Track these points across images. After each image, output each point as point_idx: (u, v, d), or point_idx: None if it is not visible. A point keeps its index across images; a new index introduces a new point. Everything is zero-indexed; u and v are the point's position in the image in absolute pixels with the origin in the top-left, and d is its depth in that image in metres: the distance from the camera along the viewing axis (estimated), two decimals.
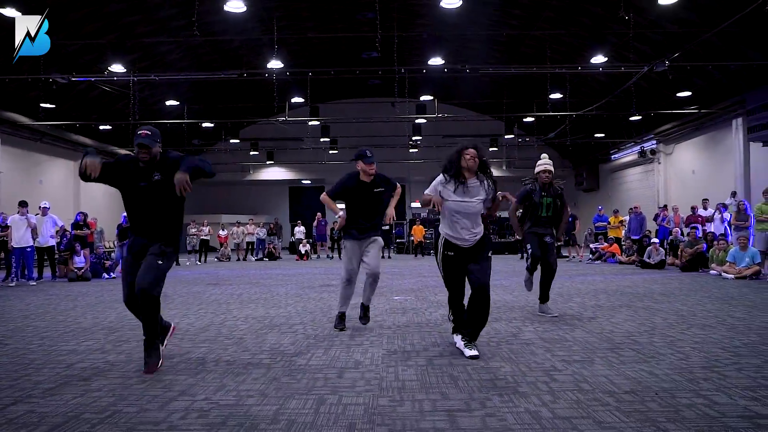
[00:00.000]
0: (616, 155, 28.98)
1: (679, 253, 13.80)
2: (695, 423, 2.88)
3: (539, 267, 6.52)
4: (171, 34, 20.36)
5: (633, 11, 16.39)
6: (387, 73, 17.49)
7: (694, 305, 7.23)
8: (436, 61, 16.09)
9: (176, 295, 9.19)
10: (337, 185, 5.76)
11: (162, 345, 4.31)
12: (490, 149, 30.52)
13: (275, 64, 16.62)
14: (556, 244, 6.59)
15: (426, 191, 4.70)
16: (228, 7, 13.03)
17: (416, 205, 34.81)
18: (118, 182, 4.28)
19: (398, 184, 6.00)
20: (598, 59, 16.20)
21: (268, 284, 11.04)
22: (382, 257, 21.73)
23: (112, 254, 17.22)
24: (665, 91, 21.35)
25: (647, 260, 13.80)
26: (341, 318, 5.78)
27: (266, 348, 4.87)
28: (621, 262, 15.60)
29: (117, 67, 16.99)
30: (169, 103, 21.76)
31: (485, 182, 4.60)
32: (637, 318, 6.24)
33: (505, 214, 28.13)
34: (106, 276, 13.11)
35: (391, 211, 5.79)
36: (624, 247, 16.15)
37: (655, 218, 17.04)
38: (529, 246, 6.51)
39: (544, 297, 6.55)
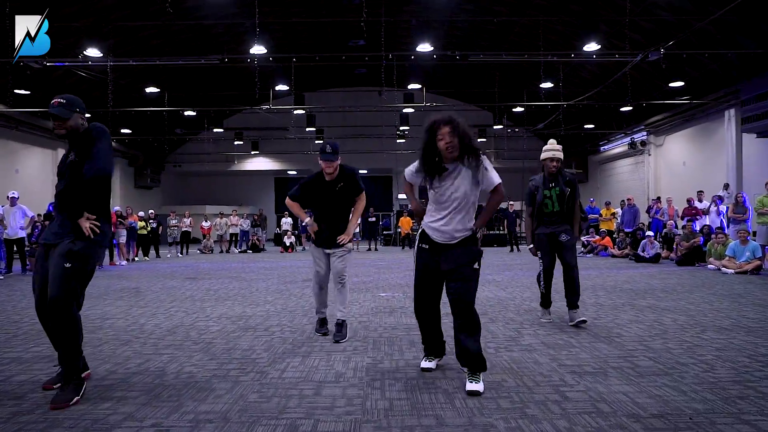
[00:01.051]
0: (605, 146, 28.62)
1: (674, 246, 13.40)
2: None
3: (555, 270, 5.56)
4: (150, 18, 19.63)
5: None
6: (374, 60, 16.88)
7: (702, 304, 6.78)
8: (424, 47, 15.48)
9: (149, 291, 8.61)
10: (297, 185, 5.01)
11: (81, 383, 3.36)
12: (479, 140, 30.06)
13: (258, 49, 15.91)
14: (573, 241, 5.45)
15: (405, 178, 3.82)
16: None
17: (403, 196, 34.33)
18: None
19: (364, 191, 5.00)
20: (591, 47, 15.67)
21: (249, 278, 10.46)
22: (368, 249, 21.48)
23: None
24: (657, 81, 20.96)
25: (642, 254, 13.38)
26: (321, 322, 5.21)
27: (236, 356, 4.32)
28: (614, 256, 15.18)
29: (93, 52, 16.21)
30: (149, 90, 20.97)
31: (471, 163, 3.53)
32: (644, 319, 5.76)
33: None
34: None
35: (351, 228, 4.92)
36: (617, 240, 15.74)
37: (648, 210, 16.65)
38: (539, 255, 5.52)
39: (570, 303, 5.46)
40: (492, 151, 31.93)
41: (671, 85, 20.09)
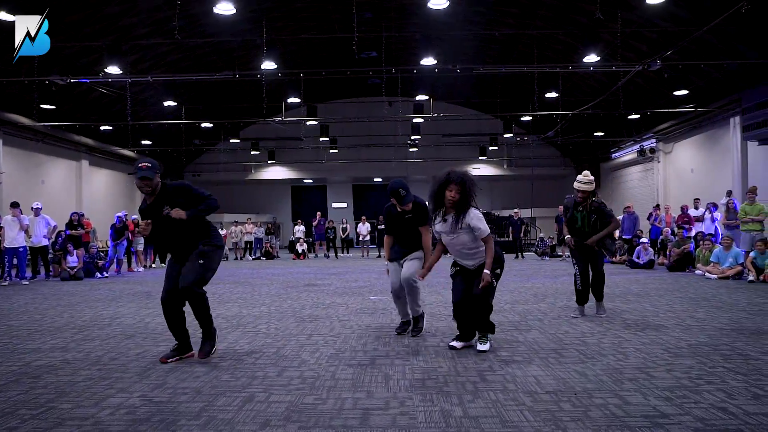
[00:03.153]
0: (616, 154, 28.94)
1: (667, 252, 13.80)
2: (596, 422, 2.98)
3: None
4: (167, 36, 20.61)
5: (624, 10, 16.44)
6: (377, 74, 17.57)
7: (662, 306, 7.30)
8: (428, 60, 16.15)
9: (159, 295, 9.33)
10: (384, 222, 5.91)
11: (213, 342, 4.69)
12: (490, 148, 30.59)
13: (268, 65, 16.76)
14: (601, 250, 6.58)
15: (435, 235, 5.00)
16: (218, 9, 13.15)
17: None
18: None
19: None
20: (591, 58, 16.17)
21: (255, 283, 11.19)
22: (378, 256, 22.10)
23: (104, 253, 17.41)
24: (664, 90, 21.31)
25: (636, 260, 13.82)
26: (402, 325, 5.69)
27: (222, 348, 5.00)
28: (613, 262, 15.58)
29: (113, 69, 17.20)
30: (167, 103, 21.99)
31: (463, 220, 4.60)
32: (599, 319, 6.31)
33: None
34: (99, 275, 13.32)
35: (425, 253, 5.53)
36: (616, 247, 16.14)
37: (649, 217, 17.03)
38: (574, 261, 6.62)
39: (598, 296, 6.63)
40: (504, 159, 32.41)
41: (676, 93, 20.43)
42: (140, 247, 15.67)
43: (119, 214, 15.08)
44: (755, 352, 4.59)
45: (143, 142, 27.59)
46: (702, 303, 7.50)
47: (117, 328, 6.07)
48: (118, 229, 14.44)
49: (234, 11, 13.30)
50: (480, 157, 31.38)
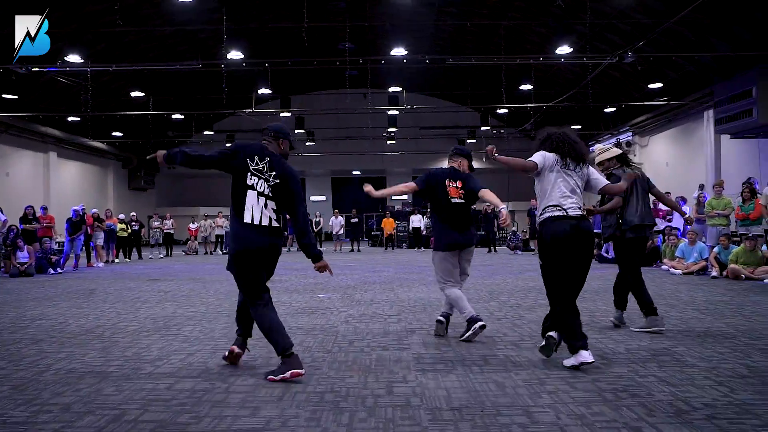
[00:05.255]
0: (593, 147, 28.76)
1: None
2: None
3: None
4: (137, 24, 20.06)
5: (596, 1, 16.16)
6: (343, 64, 17.17)
7: (599, 303, 7.08)
8: (398, 51, 15.79)
9: (103, 293, 8.95)
10: None
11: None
12: (468, 141, 30.31)
13: (235, 54, 16.31)
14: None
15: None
16: None
17: (396, 197, 34.54)
18: None
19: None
20: (564, 50, 15.90)
21: (209, 280, 10.80)
22: (351, 250, 21.78)
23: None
24: (639, 83, 21.13)
25: (605, 255, 13.59)
26: (471, 321, 4.98)
27: (128, 354, 4.62)
28: None
29: (75, 58, 16.63)
30: (134, 94, 21.42)
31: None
32: (530, 317, 6.08)
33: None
34: (52, 271, 12.85)
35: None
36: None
37: None
38: None
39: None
40: (482, 152, 32.07)
41: (651, 86, 20.28)
42: (100, 242, 15.20)
43: (76, 207, 14.57)
44: (693, 358, 4.30)
45: (114, 133, 26.99)
46: (658, 301, 7.15)
47: (29, 332, 5.66)
48: (75, 224, 13.95)
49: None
50: None
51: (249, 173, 3.90)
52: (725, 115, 16.34)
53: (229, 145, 4.08)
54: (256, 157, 3.93)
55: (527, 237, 20.01)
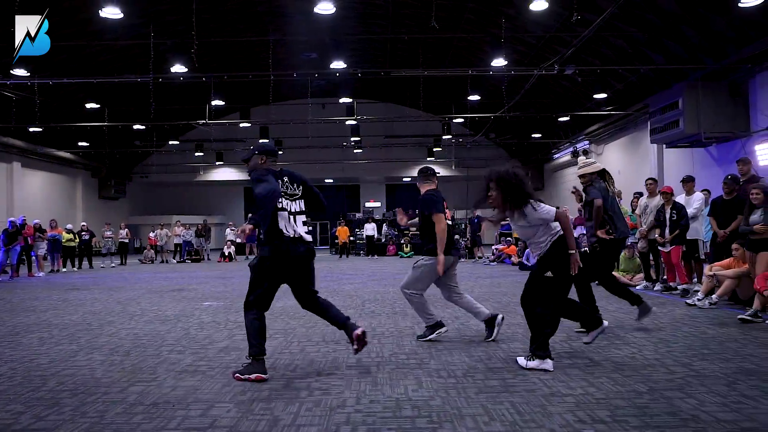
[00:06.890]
0: (556, 155, 29.27)
1: None
2: None
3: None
4: (96, 37, 20.47)
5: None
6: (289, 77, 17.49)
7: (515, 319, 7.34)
8: (338, 65, 16.25)
9: (25, 304, 9.22)
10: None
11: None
12: (435, 149, 30.75)
13: (179, 68, 16.73)
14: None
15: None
16: (104, 13, 12.96)
17: (369, 204, 34.96)
18: None
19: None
20: (500, 62, 16.41)
21: (126, 289, 11.11)
22: None
23: None
24: (588, 93, 21.60)
25: (525, 262, 13.93)
26: (489, 322, 5.55)
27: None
28: (514, 264, 15.77)
29: (20, 71, 16.95)
30: (89, 105, 21.72)
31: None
32: (452, 330, 6.04)
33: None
34: None
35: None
36: (519, 248, 16.31)
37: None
38: None
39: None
40: (452, 160, 32.37)
41: (596, 96, 20.79)
42: (41, 252, 15.51)
43: (12, 218, 14.89)
44: (540, 381, 4.02)
45: (80, 143, 27.31)
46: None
47: None
48: (10, 234, 14.27)
49: (121, 15, 13.06)
50: (428, 158, 31.51)
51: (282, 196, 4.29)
52: (658, 126, 16.79)
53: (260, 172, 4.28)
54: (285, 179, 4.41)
55: (469, 246, 20.10)
